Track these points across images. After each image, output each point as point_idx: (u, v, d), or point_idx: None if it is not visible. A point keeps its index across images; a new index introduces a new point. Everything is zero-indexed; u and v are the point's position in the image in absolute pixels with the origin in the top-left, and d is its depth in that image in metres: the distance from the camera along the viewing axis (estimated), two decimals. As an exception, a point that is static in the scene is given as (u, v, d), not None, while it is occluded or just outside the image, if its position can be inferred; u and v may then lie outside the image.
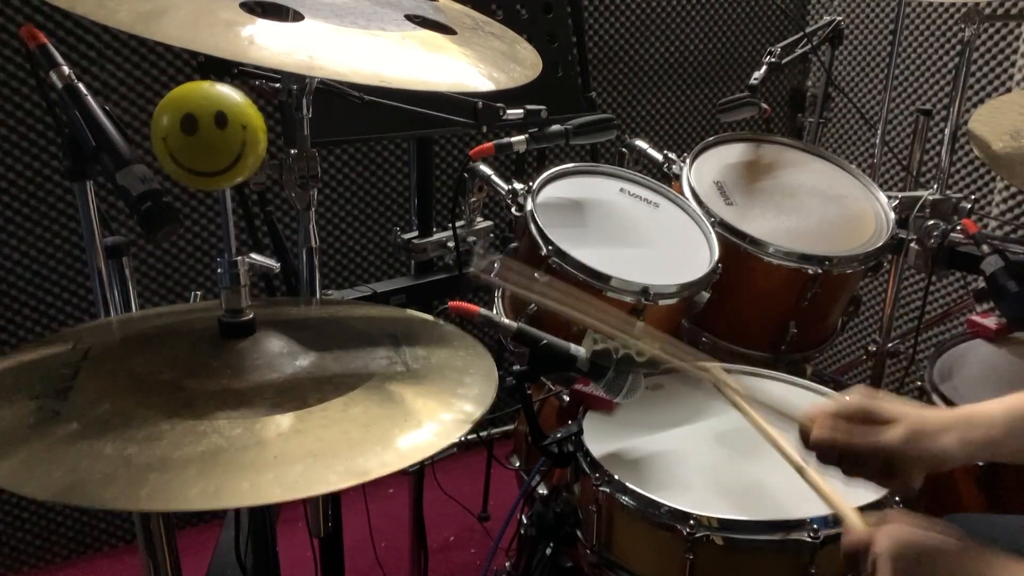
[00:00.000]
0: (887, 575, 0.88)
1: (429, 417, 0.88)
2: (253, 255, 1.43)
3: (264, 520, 1.36)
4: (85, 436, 0.78)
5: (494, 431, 1.98)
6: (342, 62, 0.88)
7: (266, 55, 0.83)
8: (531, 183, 1.56)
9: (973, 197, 1.91)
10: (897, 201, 1.83)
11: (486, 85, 1.00)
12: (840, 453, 0.96)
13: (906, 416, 0.94)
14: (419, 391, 0.91)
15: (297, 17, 0.93)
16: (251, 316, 0.97)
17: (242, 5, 0.88)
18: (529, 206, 1.50)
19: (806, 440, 1.00)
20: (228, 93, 0.86)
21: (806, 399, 1.44)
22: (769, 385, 1.48)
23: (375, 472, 0.77)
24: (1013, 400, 0.95)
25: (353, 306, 1.31)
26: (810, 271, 1.60)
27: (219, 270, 0.96)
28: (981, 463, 1.43)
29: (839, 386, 1.52)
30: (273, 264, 1.44)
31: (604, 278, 1.42)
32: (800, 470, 1.08)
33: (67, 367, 0.91)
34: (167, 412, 0.83)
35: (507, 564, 1.51)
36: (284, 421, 0.83)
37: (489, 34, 1.15)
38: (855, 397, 0.99)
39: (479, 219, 1.89)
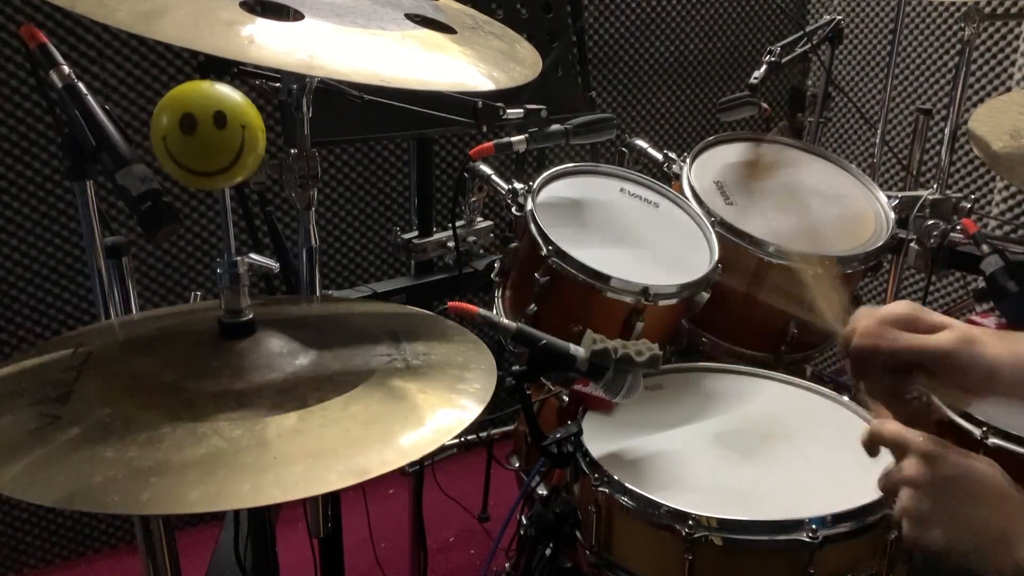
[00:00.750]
0: (912, 471, 0.83)
1: (430, 413, 0.88)
2: (253, 255, 1.43)
3: (264, 520, 1.36)
4: (86, 441, 0.78)
5: (494, 431, 1.98)
6: (342, 62, 0.88)
7: (266, 54, 0.83)
8: (531, 183, 1.56)
9: (973, 197, 1.91)
10: (897, 201, 1.82)
11: (486, 85, 0.99)
12: (882, 363, 0.90)
13: (956, 324, 0.89)
14: (420, 387, 0.91)
15: (297, 16, 0.93)
16: (251, 316, 0.97)
17: (242, 4, 0.88)
18: (529, 206, 1.50)
19: (847, 348, 0.94)
20: (228, 93, 0.86)
21: (806, 400, 1.44)
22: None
23: (375, 470, 0.77)
24: None
25: (353, 303, 1.31)
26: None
27: (219, 270, 0.96)
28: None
29: (839, 386, 1.51)
30: (273, 264, 1.44)
31: (604, 278, 1.42)
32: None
33: (67, 371, 0.90)
34: (167, 415, 0.82)
35: (507, 565, 1.51)
36: (285, 421, 0.83)
37: (489, 34, 1.15)
38: (901, 304, 0.93)
39: (479, 219, 1.89)
